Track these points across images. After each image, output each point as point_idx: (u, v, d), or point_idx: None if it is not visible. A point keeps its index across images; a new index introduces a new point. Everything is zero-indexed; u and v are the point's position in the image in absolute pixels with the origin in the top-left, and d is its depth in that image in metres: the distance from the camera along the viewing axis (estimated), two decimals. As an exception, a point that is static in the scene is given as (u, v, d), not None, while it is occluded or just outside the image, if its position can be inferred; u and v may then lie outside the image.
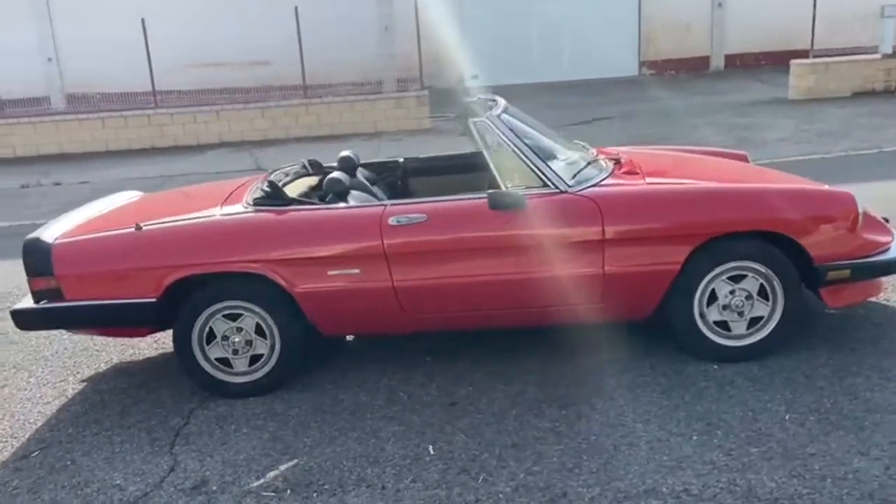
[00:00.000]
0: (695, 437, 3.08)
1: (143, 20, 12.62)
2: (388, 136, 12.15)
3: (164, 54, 13.22)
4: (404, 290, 3.61)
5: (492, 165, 3.68)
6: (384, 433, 3.32)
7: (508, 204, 3.51)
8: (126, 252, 3.72)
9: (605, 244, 3.51)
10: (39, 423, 3.69)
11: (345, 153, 4.50)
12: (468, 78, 16.36)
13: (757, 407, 3.27)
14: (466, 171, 4.55)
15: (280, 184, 4.02)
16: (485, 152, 3.71)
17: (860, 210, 3.61)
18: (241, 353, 3.73)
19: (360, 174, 4.52)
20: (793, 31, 15.36)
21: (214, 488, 3.02)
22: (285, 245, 3.64)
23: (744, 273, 3.57)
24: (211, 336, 3.72)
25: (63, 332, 4.54)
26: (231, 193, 4.12)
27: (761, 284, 3.58)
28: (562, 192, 3.59)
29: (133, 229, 3.71)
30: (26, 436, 3.59)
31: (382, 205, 3.74)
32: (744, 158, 4.72)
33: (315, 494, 2.92)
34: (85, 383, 4.10)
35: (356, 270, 3.61)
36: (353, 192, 4.01)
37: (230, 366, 3.75)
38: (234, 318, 3.70)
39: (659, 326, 3.79)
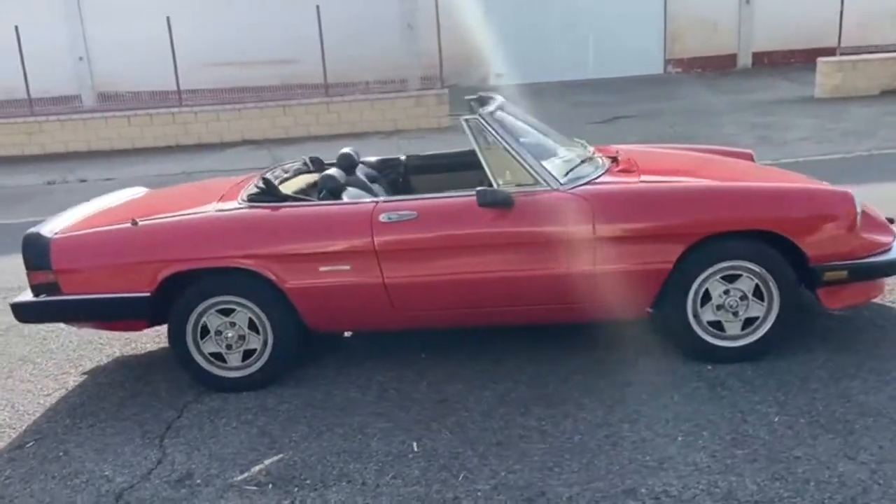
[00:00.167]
0: (680, 438, 3.04)
1: (168, 19, 12.81)
2: (408, 135, 12.17)
3: (188, 53, 13.41)
4: (394, 287, 3.61)
5: (484, 163, 3.67)
6: (371, 429, 3.33)
7: (497, 201, 3.50)
8: (121, 247, 3.77)
9: (596, 242, 3.48)
10: (38, 414, 3.76)
11: (344, 150, 4.51)
12: (493, 76, 16.38)
13: (747, 408, 3.21)
14: (468, 168, 4.52)
15: (278, 181, 4.05)
16: (477, 150, 3.70)
17: (859, 209, 3.53)
18: (234, 348, 3.76)
19: (361, 171, 4.53)
20: (822, 28, 15.07)
21: (199, 481, 3.05)
22: (277, 241, 3.67)
23: (738, 273, 3.51)
24: (205, 331, 3.76)
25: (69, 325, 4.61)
26: (229, 190, 4.16)
27: (756, 284, 3.52)
28: (553, 189, 3.56)
29: (129, 225, 3.77)
30: (24, 426, 3.66)
31: (373, 202, 3.74)
32: (749, 157, 4.64)
33: (296, 489, 2.94)
34: (86, 376, 4.17)
35: (347, 267, 3.62)
36: (349, 189, 4.02)
37: (224, 360, 3.79)
38: (227, 313, 3.74)
39: (652, 326, 3.74)
